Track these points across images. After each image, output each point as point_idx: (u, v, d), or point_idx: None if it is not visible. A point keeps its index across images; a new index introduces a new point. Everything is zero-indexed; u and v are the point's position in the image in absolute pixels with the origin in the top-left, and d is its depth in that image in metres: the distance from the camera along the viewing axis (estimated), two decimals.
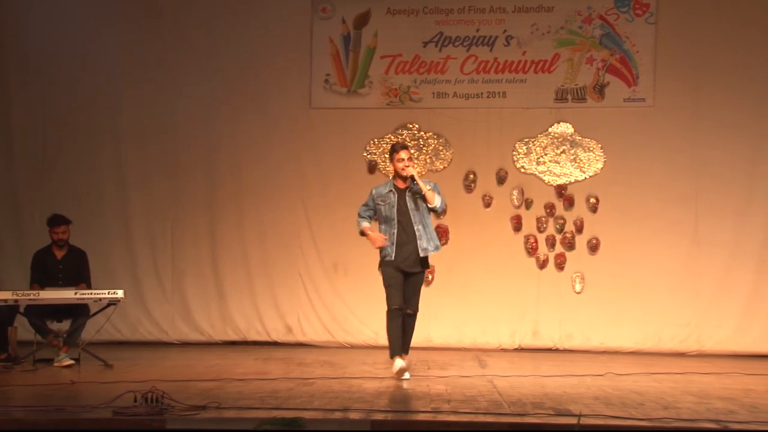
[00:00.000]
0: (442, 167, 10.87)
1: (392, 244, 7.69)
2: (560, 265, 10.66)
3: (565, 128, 10.78)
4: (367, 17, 10.93)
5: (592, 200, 10.67)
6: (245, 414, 5.66)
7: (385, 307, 7.71)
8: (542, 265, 10.69)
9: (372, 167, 10.91)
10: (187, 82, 10.98)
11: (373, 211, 7.87)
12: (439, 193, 7.72)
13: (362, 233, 7.87)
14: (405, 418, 5.70)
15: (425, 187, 7.66)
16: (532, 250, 10.71)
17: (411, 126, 10.94)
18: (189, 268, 10.95)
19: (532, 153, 10.81)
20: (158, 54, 11.00)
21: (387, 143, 10.90)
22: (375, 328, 10.72)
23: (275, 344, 10.76)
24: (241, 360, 9.14)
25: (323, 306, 10.84)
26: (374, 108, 10.93)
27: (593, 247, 10.62)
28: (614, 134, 10.68)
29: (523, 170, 10.79)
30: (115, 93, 11.02)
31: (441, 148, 10.89)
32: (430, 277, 10.70)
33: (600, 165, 10.71)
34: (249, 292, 10.88)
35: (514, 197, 10.76)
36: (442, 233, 10.71)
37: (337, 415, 5.70)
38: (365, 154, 10.95)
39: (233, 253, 10.92)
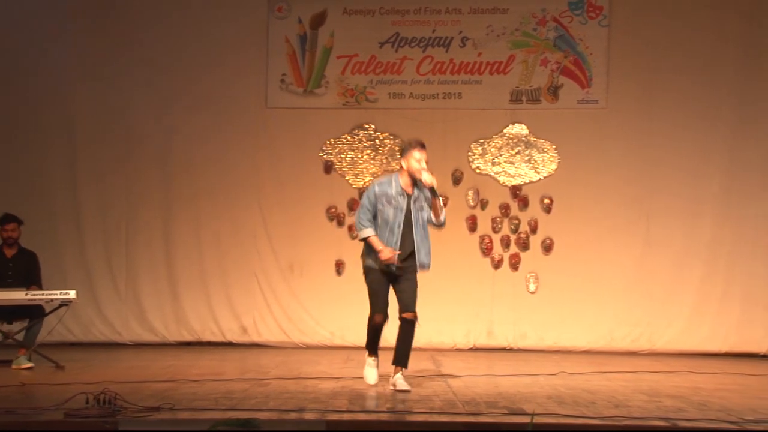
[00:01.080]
0: (397, 168, 10.82)
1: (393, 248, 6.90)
2: (515, 266, 10.74)
3: (520, 129, 10.87)
4: (323, 17, 10.92)
5: (546, 201, 10.77)
6: (199, 415, 5.63)
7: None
8: (497, 265, 10.76)
9: (328, 167, 10.90)
10: (140, 79, 10.88)
11: (373, 215, 6.98)
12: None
13: (364, 240, 7.00)
14: (360, 418, 5.70)
15: (440, 201, 6.94)
16: (487, 250, 10.78)
17: (367, 126, 10.96)
18: (143, 267, 10.86)
19: (487, 154, 10.88)
20: (111, 51, 10.88)
21: (343, 143, 10.91)
22: (331, 329, 10.73)
23: (230, 345, 10.71)
24: (196, 361, 9.09)
25: (279, 306, 10.82)
26: (330, 108, 10.93)
27: (547, 247, 10.72)
28: (568, 135, 10.78)
29: (478, 171, 10.86)
30: (67, 91, 10.88)
31: (397, 148, 10.90)
32: None
33: (554, 166, 10.81)
34: (204, 293, 10.81)
35: (470, 198, 10.82)
36: None
37: (293, 415, 5.69)
38: (321, 154, 10.94)
39: (188, 252, 10.85)
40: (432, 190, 6.86)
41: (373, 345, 7.15)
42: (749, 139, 10.57)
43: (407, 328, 6.87)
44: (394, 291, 6.99)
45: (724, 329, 10.41)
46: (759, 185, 10.55)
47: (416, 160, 6.89)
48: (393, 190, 6.93)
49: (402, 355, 6.92)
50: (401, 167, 7.03)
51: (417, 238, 6.91)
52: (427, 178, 6.83)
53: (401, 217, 6.89)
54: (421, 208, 6.96)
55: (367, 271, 7.02)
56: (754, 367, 9.15)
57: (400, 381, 6.86)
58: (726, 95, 10.60)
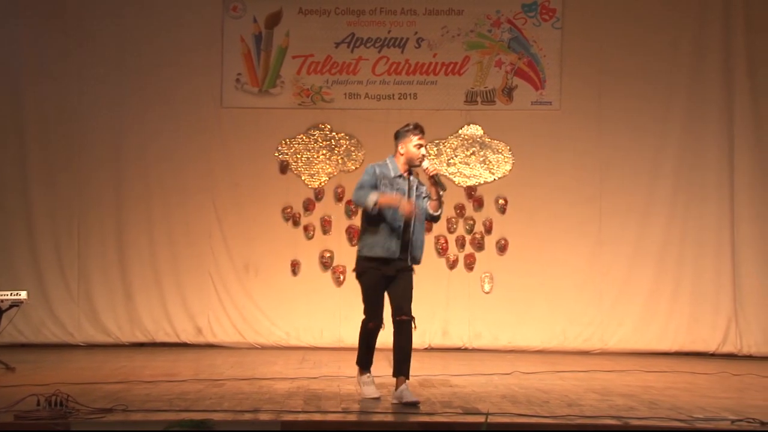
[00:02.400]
0: (353, 168, 10.90)
1: (396, 238, 6.30)
2: (470, 266, 10.80)
3: (474, 130, 10.93)
4: (278, 17, 10.89)
5: (501, 201, 10.85)
6: (153, 416, 5.59)
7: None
8: (452, 265, 10.81)
9: (283, 167, 10.87)
10: (93, 78, 10.75)
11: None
12: None
13: (375, 205, 6.21)
14: (316, 418, 5.70)
15: (441, 191, 6.37)
16: (442, 250, 10.82)
17: (323, 126, 10.95)
18: (95, 267, 10.73)
19: (442, 154, 10.93)
20: (63, 49, 10.74)
21: (298, 143, 10.89)
22: (286, 329, 10.71)
23: (185, 346, 10.63)
24: (149, 362, 9.01)
25: (234, 307, 10.77)
26: (286, 108, 10.90)
27: (502, 247, 10.80)
28: (522, 137, 10.87)
29: None
30: (18, 89, 10.72)
31: (353, 148, 10.93)
32: (341, 278, 10.74)
33: (509, 167, 10.89)
34: (158, 293, 10.72)
35: None
36: (353, 234, 10.75)
37: (247, 416, 5.68)
38: (277, 154, 10.91)
39: (141, 252, 10.75)
40: (434, 178, 6.33)
41: (367, 358, 6.47)
42: (699, 140, 10.73)
43: (403, 331, 6.26)
44: (388, 292, 6.39)
45: (674, 328, 10.56)
46: (708, 186, 10.72)
47: (415, 145, 6.38)
48: (392, 173, 6.40)
49: (402, 363, 6.27)
50: (397, 152, 6.47)
51: (416, 227, 6.37)
52: (429, 165, 6.37)
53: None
54: (420, 196, 6.44)
55: (364, 271, 6.40)
56: (703, 365, 9.31)
57: (406, 393, 6.21)
58: (677, 97, 10.75)
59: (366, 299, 6.41)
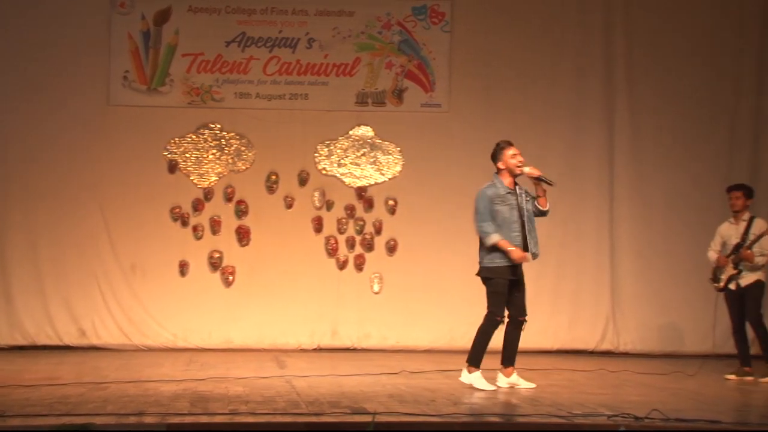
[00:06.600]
0: (244, 168, 10.84)
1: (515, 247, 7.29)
2: (359, 266, 10.87)
3: (365, 131, 11.01)
4: (167, 14, 10.73)
5: (391, 202, 10.95)
6: (32, 422, 5.45)
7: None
8: (342, 265, 10.86)
9: (172, 167, 10.73)
10: None
11: (492, 218, 7.33)
12: None
13: (495, 246, 7.33)
14: (202, 420, 5.66)
15: (544, 187, 7.37)
16: (332, 251, 10.86)
17: (213, 126, 10.85)
18: None
19: (333, 155, 10.96)
20: None
21: (188, 142, 10.77)
22: (173, 330, 10.57)
23: (68, 348, 10.36)
24: (30, 365, 8.76)
25: (119, 308, 10.56)
26: (175, 107, 10.75)
27: (391, 248, 10.90)
28: (412, 138, 10.99)
29: (324, 172, 10.93)
30: None
31: (243, 148, 10.86)
32: (230, 278, 10.67)
33: (399, 168, 11.00)
34: (39, 294, 10.42)
35: (316, 199, 10.87)
36: (244, 234, 10.70)
37: (132, 419, 5.59)
38: (165, 154, 10.75)
39: (22, 253, 10.41)
40: (539, 178, 7.29)
41: (483, 353, 7.41)
42: (583, 140, 11.03)
43: (519, 329, 7.43)
44: (509, 294, 7.40)
45: (555, 327, 10.83)
46: (591, 184, 11.02)
47: (512, 156, 7.32)
48: (502, 191, 7.35)
49: (514, 354, 7.48)
50: (498, 170, 7.45)
51: (529, 229, 7.31)
52: (530, 169, 7.27)
53: (515, 214, 7.30)
54: (527, 201, 7.38)
55: (493, 273, 7.34)
56: (582, 363, 9.58)
57: (521, 380, 7.44)
58: (563, 97, 11.00)
59: (496, 297, 7.39)
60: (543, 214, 7.45)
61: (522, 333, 7.49)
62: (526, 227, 7.33)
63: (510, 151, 7.37)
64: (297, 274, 10.70)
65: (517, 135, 10.87)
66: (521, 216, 7.34)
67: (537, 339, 10.70)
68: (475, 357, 7.43)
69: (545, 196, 7.42)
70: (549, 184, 7.43)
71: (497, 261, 7.35)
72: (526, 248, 7.37)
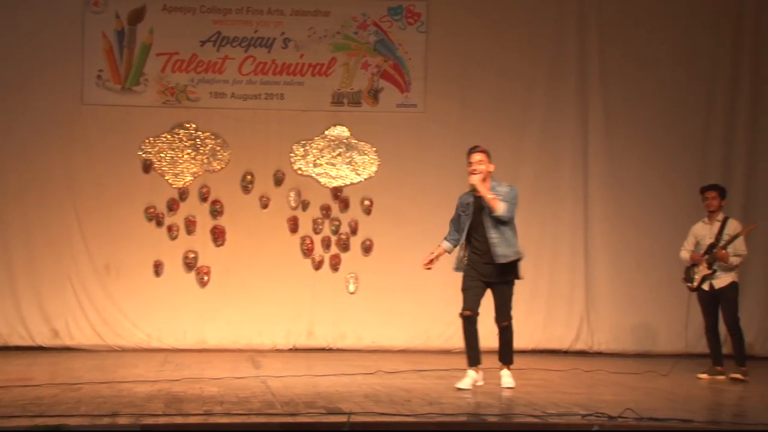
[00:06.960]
0: (219, 168, 10.81)
1: (465, 251, 7.54)
2: (335, 266, 10.86)
3: (341, 131, 11.01)
4: (141, 13, 10.68)
5: (367, 202, 10.95)
6: (4, 423, 5.40)
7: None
8: (318, 266, 10.85)
9: (147, 167, 10.68)
10: None
11: (458, 225, 7.59)
12: (511, 200, 7.43)
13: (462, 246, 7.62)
14: (177, 421, 5.64)
15: (487, 195, 7.34)
16: (308, 251, 10.85)
17: (188, 126, 10.81)
18: None
19: (309, 155, 10.95)
20: None
21: (163, 142, 10.73)
22: (148, 331, 10.52)
23: (40, 349, 10.30)
24: (2, 366, 8.70)
25: (93, 308, 10.50)
26: (150, 106, 10.72)
27: (367, 248, 10.91)
28: (388, 138, 11.01)
29: (300, 172, 10.92)
30: None
31: (218, 148, 10.83)
32: (205, 278, 10.64)
33: (374, 168, 11.01)
34: (11, 294, 10.36)
35: (291, 199, 10.86)
36: (219, 234, 10.67)
37: (105, 420, 5.56)
38: (140, 153, 10.70)
39: None
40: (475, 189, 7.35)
41: (468, 353, 7.62)
42: (558, 141, 11.09)
43: (503, 332, 7.73)
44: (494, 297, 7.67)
45: (530, 327, 10.85)
46: (564, 185, 11.10)
47: (468, 164, 7.42)
48: (468, 199, 7.51)
49: (504, 354, 7.79)
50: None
51: (491, 234, 7.37)
52: (476, 180, 7.34)
53: (468, 222, 7.44)
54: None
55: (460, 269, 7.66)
56: (557, 363, 9.65)
57: (505, 378, 7.63)
58: (538, 98, 11.07)
59: (462, 291, 7.64)
60: (497, 219, 7.40)
61: (509, 336, 7.74)
62: (487, 232, 7.40)
63: (468, 159, 7.46)
64: (272, 275, 10.69)
65: (492, 136, 10.98)
66: (474, 223, 7.45)
67: (513, 339, 10.78)
68: (467, 356, 7.60)
69: (495, 204, 7.37)
70: (483, 194, 7.40)
71: (465, 260, 7.58)
72: (489, 253, 7.42)
